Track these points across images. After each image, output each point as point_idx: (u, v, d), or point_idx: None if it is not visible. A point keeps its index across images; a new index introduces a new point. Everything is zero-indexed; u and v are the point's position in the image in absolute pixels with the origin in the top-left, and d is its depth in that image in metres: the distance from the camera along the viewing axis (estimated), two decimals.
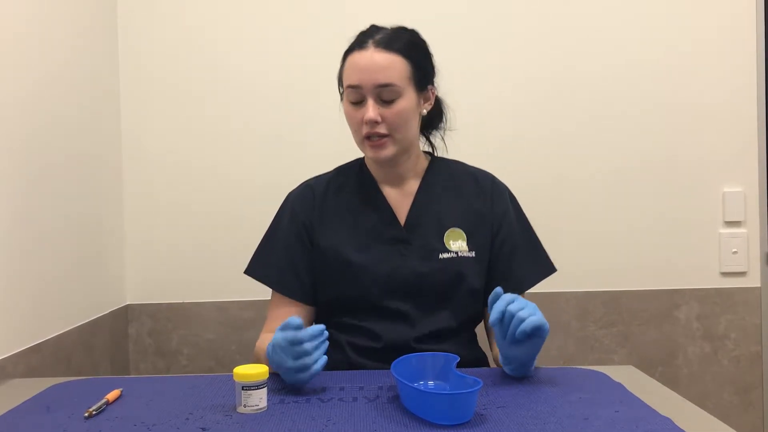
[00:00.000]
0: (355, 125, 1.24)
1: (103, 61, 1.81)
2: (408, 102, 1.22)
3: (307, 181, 1.37)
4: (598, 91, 1.93)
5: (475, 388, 0.89)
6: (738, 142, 1.94)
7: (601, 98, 1.93)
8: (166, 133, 1.90)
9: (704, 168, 1.94)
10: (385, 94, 1.20)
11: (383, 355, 1.19)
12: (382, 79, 1.20)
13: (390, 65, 1.20)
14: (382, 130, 1.21)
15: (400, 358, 1.03)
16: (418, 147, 1.33)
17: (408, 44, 1.24)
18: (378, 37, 1.22)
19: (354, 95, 1.22)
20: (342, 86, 1.27)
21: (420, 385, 1.03)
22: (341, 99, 1.29)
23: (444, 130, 1.39)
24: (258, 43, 1.90)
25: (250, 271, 1.34)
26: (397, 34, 1.24)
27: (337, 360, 1.22)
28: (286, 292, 1.30)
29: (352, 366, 1.23)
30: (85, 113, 1.67)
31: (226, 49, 1.89)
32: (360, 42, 1.23)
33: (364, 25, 1.27)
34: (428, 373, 1.05)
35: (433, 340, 1.23)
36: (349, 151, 1.36)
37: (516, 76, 1.92)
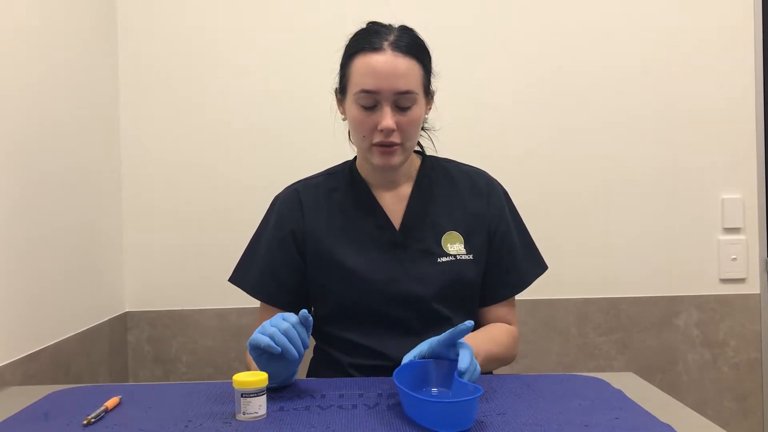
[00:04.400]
0: (366, 131, 1.18)
1: (103, 63, 1.81)
2: (421, 109, 1.19)
3: (294, 184, 1.33)
4: (596, 98, 1.93)
5: (475, 395, 0.89)
6: (737, 149, 1.94)
7: (599, 105, 1.93)
8: (165, 138, 1.90)
9: (703, 175, 1.94)
10: (402, 101, 1.15)
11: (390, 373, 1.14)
12: (403, 86, 1.14)
13: (409, 71, 1.15)
14: (396, 138, 1.16)
15: (404, 364, 1.02)
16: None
17: (420, 48, 1.19)
18: (392, 38, 1.16)
19: (367, 100, 1.15)
20: (344, 87, 1.21)
21: (422, 392, 1.02)
22: (340, 99, 1.24)
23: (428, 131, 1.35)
24: (257, 46, 1.90)
25: (232, 278, 1.31)
26: (409, 37, 1.18)
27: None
28: (267, 299, 1.28)
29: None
30: (84, 117, 1.67)
31: (226, 52, 1.90)
32: (372, 43, 1.16)
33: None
34: (431, 380, 1.04)
35: None
36: (353, 153, 1.34)
37: (513, 80, 1.93)
